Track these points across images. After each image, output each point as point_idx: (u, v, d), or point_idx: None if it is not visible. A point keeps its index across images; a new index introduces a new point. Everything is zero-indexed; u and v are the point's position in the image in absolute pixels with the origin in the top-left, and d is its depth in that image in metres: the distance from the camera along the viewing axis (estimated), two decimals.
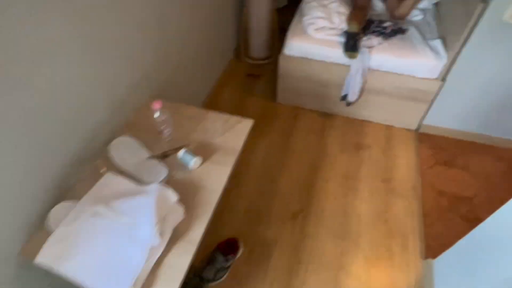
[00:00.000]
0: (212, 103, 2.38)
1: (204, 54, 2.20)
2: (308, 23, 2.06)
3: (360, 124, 2.26)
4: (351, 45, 1.90)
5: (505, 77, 1.77)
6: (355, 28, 1.90)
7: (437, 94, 1.96)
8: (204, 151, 1.32)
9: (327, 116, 2.32)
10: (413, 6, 2.12)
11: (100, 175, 1.20)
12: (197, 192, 1.21)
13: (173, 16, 1.67)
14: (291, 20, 2.22)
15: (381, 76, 1.99)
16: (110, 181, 1.18)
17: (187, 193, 1.19)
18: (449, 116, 2.07)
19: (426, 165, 2.02)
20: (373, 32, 2.00)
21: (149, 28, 1.50)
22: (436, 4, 2.28)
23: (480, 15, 1.58)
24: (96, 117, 1.30)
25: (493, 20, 1.57)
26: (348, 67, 1.99)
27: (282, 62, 2.14)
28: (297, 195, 1.88)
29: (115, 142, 1.32)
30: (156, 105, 1.20)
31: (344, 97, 2.12)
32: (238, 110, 2.36)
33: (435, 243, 1.67)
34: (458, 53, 1.76)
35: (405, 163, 2.03)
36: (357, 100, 2.10)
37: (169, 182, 1.22)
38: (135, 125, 1.43)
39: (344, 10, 2.10)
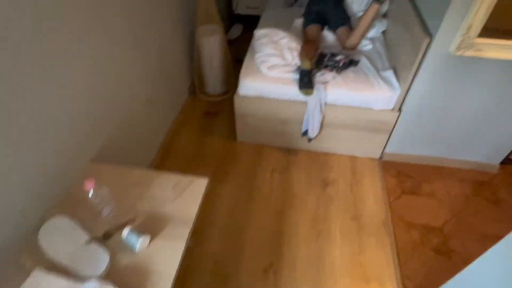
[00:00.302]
0: (169, 150, 2.23)
1: (156, 98, 2.05)
2: (260, 61, 2.00)
3: (324, 158, 2.20)
4: (306, 82, 1.85)
5: (457, 104, 1.79)
6: (307, 65, 1.86)
7: (395, 124, 1.95)
8: (153, 225, 1.17)
9: (291, 151, 2.24)
10: (362, 36, 2.14)
11: (26, 274, 1.01)
12: (147, 279, 1.04)
13: (117, 63, 1.53)
14: (246, 49, 2.16)
15: (339, 110, 1.95)
16: (38, 283, 0.99)
17: (135, 281, 1.03)
18: (409, 143, 2.07)
19: (393, 196, 1.98)
20: (326, 66, 1.97)
21: (88, 79, 1.34)
22: (383, 32, 2.32)
23: (427, 48, 1.59)
24: (21, 195, 1.10)
25: (440, 52, 1.59)
26: (305, 103, 1.94)
27: (237, 102, 2.05)
28: (267, 246, 1.75)
29: (46, 226, 1.13)
30: (89, 185, 1.04)
31: (305, 133, 2.06)
32: (197, 155, 2.22)
33: (412, 284, 1.60)
34: (410, 84, 1.76)
35: (373, 196, 1.98)
36: (317, 135, 2.05)
37: (112, 270, 1.04)
38: (72, 199, 1.25)
39: (295, 45, 2.07)
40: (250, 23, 3.60)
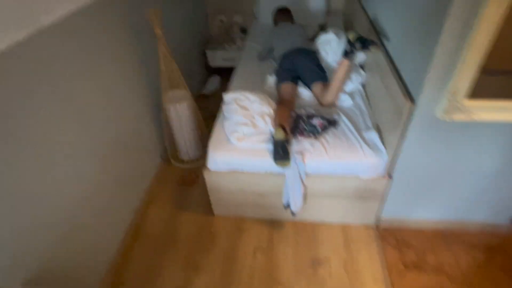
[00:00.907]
0: (137, 233, 1.97)
1: (122, 175, 1.83)
2: (230, 131, 1.80)
3: (313, 229, 1.94)
4: (281, 153, 1.64)
5: (456, 167, 1.58)
6: (281, 134, 1.66)
7: (386, 190, 1.72)
8: None
9: (275, 224, 1.99)
10: (337, 93, 1.98)
11: None
12: None
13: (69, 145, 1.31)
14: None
15: (322, 180, 1.73)
16: None
17: None
18: (406, 207, 1.83)
19: (396, 273, 1.71)
20: (303, 132, 1.77)
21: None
22: (363, 86, 2.16)
23: (411, 113, 1.40)
24: None
25: (426, 116, 1.40)
26: (283, 174, 1.72)
27: (208, 177, 1.83)
28: None
29: None
30: None
31: (287, 206, 1.82)
32: (170, 237, 1.96)
33: None
34: (398, 149, 1.55)
35: (371, 275, 1.71)
36: (301, 208, 1.81)
37: None
38: None
39: (268, 109, 1.88)
40: (229, 73, 3.51)
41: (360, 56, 2.21)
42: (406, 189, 1.71)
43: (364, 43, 1.83)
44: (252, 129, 1.79)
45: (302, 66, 2.12)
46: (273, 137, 1.70)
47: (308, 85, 2.13)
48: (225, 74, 3.53)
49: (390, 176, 1.67)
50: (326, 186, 1.75)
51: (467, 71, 1.21)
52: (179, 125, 2.22)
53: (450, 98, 1.29)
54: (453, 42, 1.18)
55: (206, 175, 1.81)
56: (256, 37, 3.04)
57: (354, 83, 2.11)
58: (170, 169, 2.42)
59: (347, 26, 3.02)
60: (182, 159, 2.43)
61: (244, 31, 3.40)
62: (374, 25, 2.11)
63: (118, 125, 1.81)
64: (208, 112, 2.97)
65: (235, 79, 2.40)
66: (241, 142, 1.75)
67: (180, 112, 2.16)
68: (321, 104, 2.02)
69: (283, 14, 2.65)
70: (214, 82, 3.43)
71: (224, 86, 3.40)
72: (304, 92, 2.12)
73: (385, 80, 1.70)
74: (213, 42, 3.48)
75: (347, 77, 2.06)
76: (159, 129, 2.37)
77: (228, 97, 2.01)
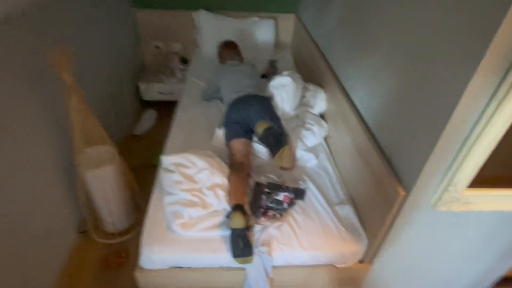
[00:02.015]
0: None
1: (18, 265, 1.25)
2: (171, 216, 1.36)
3: None
4: (241, 247, 1.26)
5: (435, 250, 1.37)
6: (240, 222, 1.28)
7: (365, 279, 1.46)
8: None
9: None
10: (293, 156, 1.69)
11: None
12: None
13: None
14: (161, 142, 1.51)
15: (292, 272, 1.39)
16: None
17: None
18: None
19: None
20: (266, 212, 1.42)
21: None
22: (325, 139, 1.91)
23: (403, 202, 1.15)
24: None
25: (418, 205, 1.15)
26: (244, 269, 1.34)
27: (142, 279, 1.35)
28: None
29: None
30: None
31: None
32: None
33: None
34: (383, 237, 1.29)
35: None
36: None
37: None
38: None
39: (221, 179, 1.49)
40: (168, 106, 3.03)
41: (320, 105, 1.96)
42: (387, 275, 1.46)
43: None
44: (202, 210, 1.38)
45: (253, 117, 1.78)
46: (229, 225, 1.32)
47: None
48: (163, 107, 3.06)
49: (370, 262, 1.40)
50: (296, 277, 1.42)
51: (476, 161, 0.99)
52: (101, 193, 1.70)
53: (450, 189, 1.06)
54: (464, 129, 0.95)
55: (140, 276, 1.34)
56: (199, 70, 2.65)
57: (316, 137, 1.85)
58: (90, 247, 1.86)
59: (297, 62, 2.80)
60: (107, 232, 1.89)
61: (185, 61, 2.98)
62: (332, 69, 1.89)
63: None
64: (140, 159, 2.47)
65: (175, 127, 1.97)
66: (188, 231, 1.33)
67: (102, 178, 1.64)
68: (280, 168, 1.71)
69: (229, 50, 2.31)
70: (149, 118, 2.92)
71: (161, 123, 2.92)
72: (260, 149, 1.78)
73: (362, 148, 1.44)
74: (148, 72, 2.98)
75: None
76: (73, 195, 1.80)
77: (167, 161, 1.57)
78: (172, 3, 2.81)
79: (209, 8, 2.82)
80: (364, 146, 1.41)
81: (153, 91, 2.90)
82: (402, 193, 1.11)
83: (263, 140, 1.65)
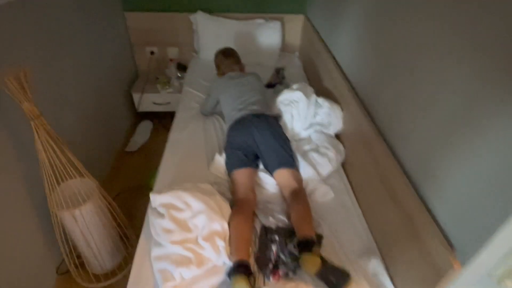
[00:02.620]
0: None
1: None
2: (158, 274, 1.11)
3: None
4: None
5: None
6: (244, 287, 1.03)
7: None
8: None
9: None
10: (304, 196, 1.41)
11: None
12: None
13: None
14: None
15: None
16: None
17: None
18: None
19: None
20: (277, 271, 1.15)
21: None
22: (342, 165, 1.64)
23: (456, 275, 0.88)
24: None
25: (477, 279, 0.88)
26: None
27: None
28: None
29: None
30: None
31: None
32: None
33: None
34: None
35: None
36: None
37: None
38: None
39: (220, 225, 1.23)
40: (164, 116, 2.79)
41: (336, 124, 1.69)
42: None
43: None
44: (196, 268, 1.12)
45: (264, 144, 1.52)
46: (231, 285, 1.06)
47: (270, 170, 1.53)
48: (159, 117, 2.81)
49: None
50: None
51: None
52: (80, 233, 1.45)
53: None
54: None
55: None
56: (197, 78, 2.39)
57: (333, 164, 1.58)
58: None
59: (307, 69, 2.52)
60: (94, 272, 1.65)
61: (182, 68, 2.71)
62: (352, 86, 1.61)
63: None
64: (134, 179, 2.23)
65: (169, 150, 1.72)
66: None
67: (81, 217, 1.40)
68: (284, 198, 1.44)
69: (228, 60, 2.03)
70: (143, 131, 2.68)
71: (156, 136, 2.67)
72: (267, 180, 1.52)
73: (389, 186, 1.17)
74: (142, 81, 2.72)
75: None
76: (52, 234, 1.56)
77: (156, 201, 1.31)
78: (166, 5, 2.53)
79: (208, 10, 2.54)
80: (395, 185, 1.15)
81: (148, 101, 2.64)
82: (457, 266, 0.84)
83: (321, 279, 1.10)
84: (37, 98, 1.21)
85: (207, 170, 1.60)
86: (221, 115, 1.97)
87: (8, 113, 1.23)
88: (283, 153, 1.51)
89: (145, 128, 2.70)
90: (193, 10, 2.54)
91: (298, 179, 1.46)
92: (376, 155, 1.32)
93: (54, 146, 1.20)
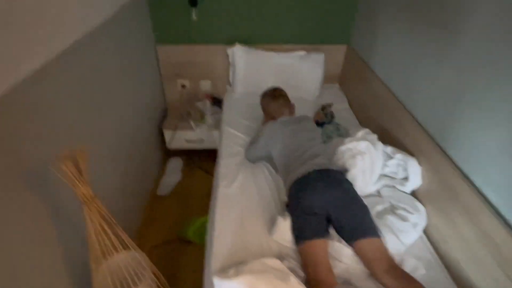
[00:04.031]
0: None
1: None
2: None
3: None
4: None
5: None
6: None
7: None
8: None
9: None
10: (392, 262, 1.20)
11: None
12: None
13: None
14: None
15: None
16: None
17: None
18: None
19: None
20: None
21: None
22: (425, 231, 1.42)
23: None
24: None
25: None
26: None
27: None
28: None
29: None
30: None
31: None
32: None
33: None
34: None
35: None
36: None
37: None
38: None
39: None
40: (195, 153, 2.60)
41: (414, 180, 1.48)
42: None
43: None
44: None
45: (341, 208, 1.31)
46: None
47: (345, 239, 1.32)
48: (189, 154, 2.62)
49: None
50: None
51: None
52: None
53: None
54: None
55: None
56: (234, 115, 2.21)
57: (417, 231, 1.35)
58: None
59: (353, 104, 2.33)
60: None
61: (218, 102, 2.54)
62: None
63: None
64: (168, 230, 2.03)
65: (219, 209, 1.51)
66: None
67: None
68: (375, 277, 1.22)
69: (276, 102, 1.83)
70: (174, 171, 2.49)
71: (188, 174, 2.47)
72: (343, 251, 1.30)
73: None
74: (172, 116, 2.55)
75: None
76: None
77: (222, 287, 1.09)
78: (199, 37, 2.37)
79: (245, 41, 2.38)
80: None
81: (180, 139, 2.46)
82: None
83: None
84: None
85: (267, 235, 1.39)
86: (268, 161, 1.78)
87: (55, 195, 1.04)
88: (365, 219, 1.30)
89: (175, 167, 2.51)
90: (228, 42, 2.38)
91: (388, 251, 1.25)
92: (482, 224, 1.10)
93: (106, 227, 1.00)
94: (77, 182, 0.85)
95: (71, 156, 0.82)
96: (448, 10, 1.33)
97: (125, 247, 1.22)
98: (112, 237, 1.02)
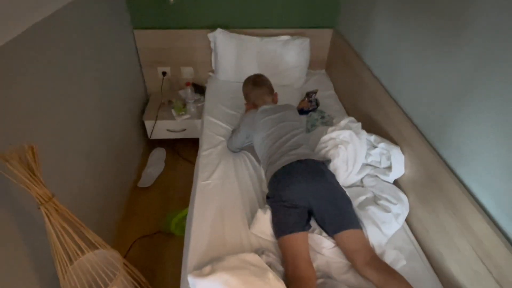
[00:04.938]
0: None
1: None
2: None
3: None
4: None
5: None
6: None
7: None
8: None
9: None
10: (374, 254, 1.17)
11: None
12: None
13: None
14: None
15: None
16: None
17: None
18: None
19: None
20: None
21: None
22: (407, 220, 1.39)
23: None
24: None
25: None
26: None
27: None
28: None
29: None
30: None
31: None
32: None
33: None
34: None
35: None
36: None
37: None
38: None
39: None
40: (179, 142, 2.53)
41: (397, 170, 1.44)
42: None
43: None
44: None
45: (322, 200, 1.27)
46: None
47: (326, 230, 1.29)
48: (173, 143, 2.55)
49: None
50: None
51: None
52: None
53: None
54: None
55: None
56: (217, 103, 2.13)
57: (399, 221, 1.32)
58: None
59: (340, 92, 2.27)
60: None
61: (200, 89, 2.45)
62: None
63: None
64: (149, 224, 1.98)
65: (198, 202, 1.46)
66: None
67: None
68: (356, 269, 1.19)
69: (258, 89, 1.76)
70: (156, 161, 2.41)
71: (171, 164, 2.40)
72: (324, 242, 1.26)
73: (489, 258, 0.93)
74: (153, 106, 2.45)
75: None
76: None
77: (197, 286, 1.05)
78: (179, 22, 2.26)
79: (226, 25, 2.28)
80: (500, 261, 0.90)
81: (161, 128, 2.37)
82: None
83: None
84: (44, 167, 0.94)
85: (247, 229, 1.34)
86: (250, 150, 1.72)
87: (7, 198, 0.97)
88: (347, 211, 1.26)
89: (158, 158, 2.44)
90: (209, 27, 2.27)
91: (369, 242, 1.22)
92: (464, 216, 1.07)
93: (68, 227, 0.94)
94: (30, 183, 0.78)
95: (18, 154, 0.75)
96: None
97: (96, 246, 1.16)
98: (77, 238, 0.96)
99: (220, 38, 2.23)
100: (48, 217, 0.87)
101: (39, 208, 0.85)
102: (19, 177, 0.76)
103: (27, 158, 0.76)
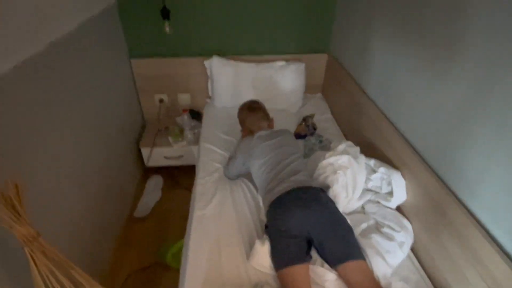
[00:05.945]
0: None
1: None
2: None
3: None
4: None
5: None
6: None
7: None
8: None
9: None
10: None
11: None
12: None
13: None
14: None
15: None
16: None
17: None
18: None
19: None
20: None
21: None
22: (413, 249, 1.33)
23: None
24: None
25: None
26: None
27: None
28: None
29: None
30: None
31: None
32: None
33: None
34: None
35: None
36: None
37: None
38: None
39: None
40: (177, 170, 2.49)
41: (399, 195, 1.40)
42: None
43: None
44: None
45: (324, 230, 1.22)
46: None
47: (328, 262, 1.23)
48: (170, 170, 2.50)
49: None
50: None
51: None
52: None
53: None
54: None
55: None
56: (214, 130, 2.11)
57: (404, 250, 1.26)
58: None
59: (337, 116, 2.26)
60: None
61: (197, 115, 2.45)
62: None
63: None
64: (146, 255, 1.91)
65: (194, 234, 1.41)
66: None
67: None
68: None
69: (254, 115, 1.75)
70: (153, 190, 2.36)
71: (168, 193, 2.35)
72: (326, 275, 1.20)
73: None
74: (150, 132, 2.44)
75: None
76: None
77: None
78: (175, 50, 2.29)
79: (221, 53, 2.30)
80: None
81: (158, 156, 2.35)
82: None
83: None
84: (30, 206, 0.91)
85: (245, 261, 1.28)
86: (247, 177, 1.69)
87: None
88: (349, 241, 1.21)
89: (155, 186, 2.39)
90: (206, 54, 2.30)
91: (374, 274, 1.16)
92: (470, 242, 1.02)
93: (54, 269, 0.89)
94: (12, 222, 0.74)
95: (1, 191, 0.72)
96: (426, 17, 1.28)
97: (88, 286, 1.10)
98: (64, 280, 0.90)
99: (217, 65, 2.25)
100: (32, 258, 0.82)
101: (23, 248, 0.80)
102: (1, 217, 0.72)
103: (10, 196, 0.73)
